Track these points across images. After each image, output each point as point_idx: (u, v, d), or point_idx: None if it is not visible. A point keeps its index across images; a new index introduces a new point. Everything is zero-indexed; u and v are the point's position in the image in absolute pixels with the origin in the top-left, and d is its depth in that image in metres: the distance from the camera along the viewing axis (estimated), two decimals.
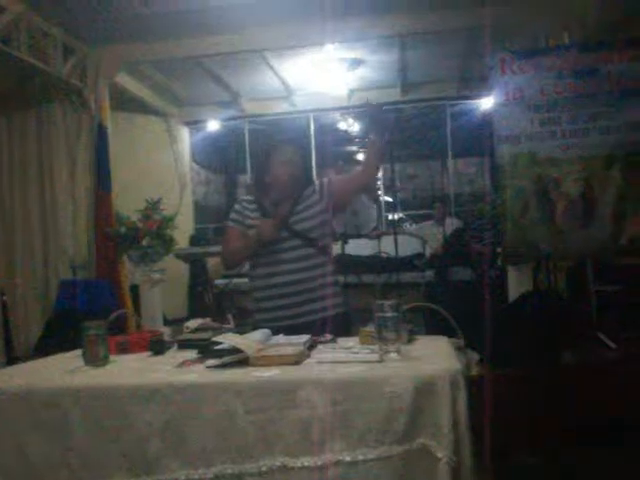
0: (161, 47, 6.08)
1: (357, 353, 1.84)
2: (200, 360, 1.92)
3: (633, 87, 4.62)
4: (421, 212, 10.06)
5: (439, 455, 1.53)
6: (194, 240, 8.18)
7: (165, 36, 5.88)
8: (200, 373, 1.77)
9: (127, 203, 6.06)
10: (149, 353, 2.16)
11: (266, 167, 2.70)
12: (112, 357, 2.05)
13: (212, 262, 7.95)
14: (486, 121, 4.87)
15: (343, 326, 2.41)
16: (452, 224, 7.31)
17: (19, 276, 5.91)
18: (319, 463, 1.58)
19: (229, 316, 2.78)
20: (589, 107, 4.66)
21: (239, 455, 1.61)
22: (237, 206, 2.75)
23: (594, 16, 5.08)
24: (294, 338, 2.06)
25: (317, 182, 2.73)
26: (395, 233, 5.95)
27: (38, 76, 5.61)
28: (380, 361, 1.76)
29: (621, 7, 4.77)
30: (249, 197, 2.76)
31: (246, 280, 7.50)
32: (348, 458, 1.57)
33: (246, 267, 2.82)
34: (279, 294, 2.57)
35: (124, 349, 2.19)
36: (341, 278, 5.49)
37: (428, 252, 7.11)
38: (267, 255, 2.58)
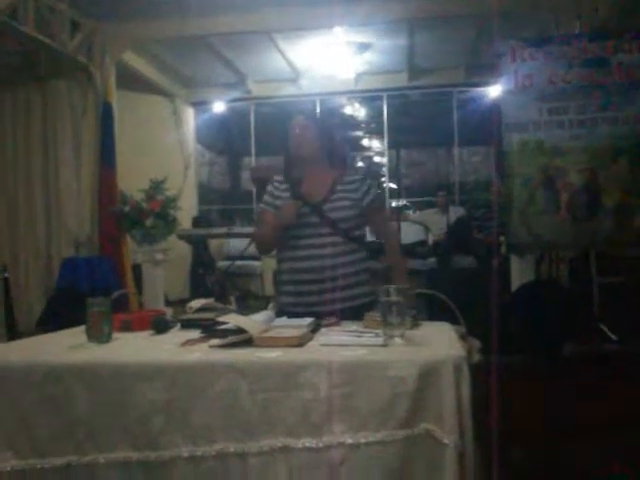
0: (169, 26, 6.05)
1: (361, 337, 1.84)
2: (203, 339, 1.91)
3: None
4: (425, 199, 10.04)
5: (445, 441, 1.53)
6: (197, 221, 8.17)
7: (173, 15, 5.84)
8: (203, 352, 1.77)
9: (131, 182, 6.05)
10: (152, 332, 2.16)
11: (287, 142, 2.61)
12: (115, 334, 2.05)
13: (215, 244, 7.95)
14: (494, 109, 4.84)
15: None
16: (456, 212, 7.30)
17: (22, 253, 5.91)
18: (320, 445, 1.58)
19: (231, 298, 2.77)
20: (598, 97, 4.63)
21: (241, 434, 1.61)
22: (269, 187, 2.64)
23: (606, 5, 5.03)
24: (298, 320, 2.06)
25: (368, 181, 2.61)
26: (398, 220, 5.94)
27: (44, 52, 5.58)
28: (384, 345, 1.75)
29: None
30: (280, 178, 2.65)
31: (248, 263, 7.52)
32: (350, 441, 1.56)
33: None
34: (303, 279, 2.48)
35: (127, 327, 2.18)
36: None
37: (431, 240, 7.11)
38: (295, 239, 2.49)
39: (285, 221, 2.46)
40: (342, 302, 2.45)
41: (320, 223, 2.48)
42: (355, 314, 2.23)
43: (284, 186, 2.60)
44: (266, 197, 2.63)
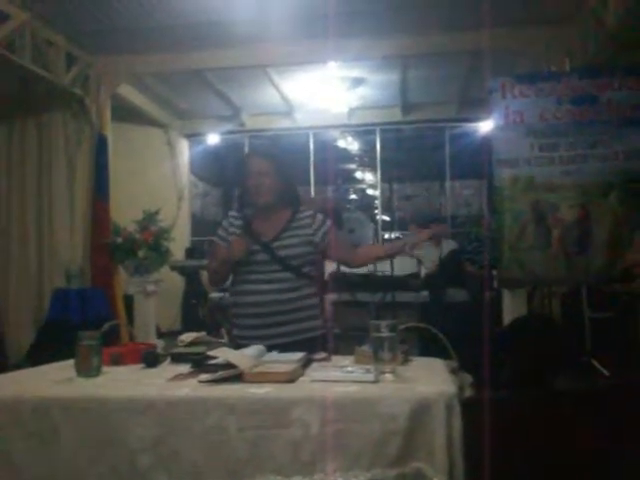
0: (164, 59, 6.11)
1: (352, 372, 1.83)
2: (193, 374, 1.90)
3: (632, 115, 4.64)
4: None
5: (434, 479, 1.52)
6: (190, 252, 8.16)
7: (169, 49, 5.91)
8: (193, 387, 1.76)
9: (124, 213, 6.05)
10: (142, 365, 2.14)
11: (242, 179, 2.66)
12: (105, 368, 2.03)
13: (207, 275, 7.92)
14: (485, 144, 4.89)
15: (315, 350, 2.35)
16: (448, 246, 7.31)
17: (13, 283, 5.87)
18: None
19: (222, 330, 2.77)
20: (588, 134, 4.68)
21: (230, 473, 1.59)
22: (224, 222, 2.71)
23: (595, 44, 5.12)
24: (289, 355, 2.05)
25: (319, 217, 2.66)
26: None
27: (40, 84, 5.62)
28: (375, 381, 1.74)
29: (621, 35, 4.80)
30: (235, 213, 2.71)
31: None
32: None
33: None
34: (251, 313, 2.54)
35: (117, 361, 2.17)
36: (335, 296, 5.45)
37: (423, 272, 7.11)
38: (244, 273, 2.56)
39: (234, 257, 2.51)
40: (289, 336, 2.50)
41: (270, 260, 2.54)
42: (302, 348, 2.23)
43: (238, 222, 2.66)
44: (220, 231, 2.69)
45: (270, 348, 2.20)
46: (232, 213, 2.73)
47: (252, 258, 2.53)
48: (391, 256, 2.70)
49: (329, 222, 2.68)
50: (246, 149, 9.19)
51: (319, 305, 2.67)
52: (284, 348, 2.23)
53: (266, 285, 2.52)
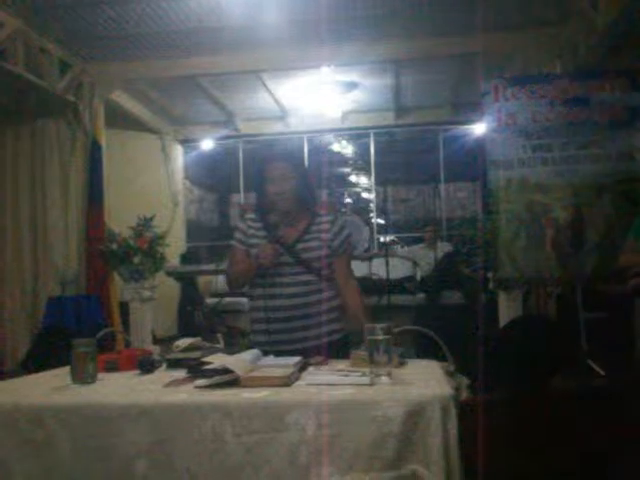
0: (158, 66, 6.12)
1: (348, 376, 1.83)
2: (189, 380, 1.90)
3: (623, 117, 4.67)
4: (412, 235, 10.09)
5: None
6: (185, 258, 8.15)
7: (162, 55, 5.92)
8: (189, 393, 1.76)
9: (119, 219, 6.05)
10: (138, 372, 2.14)
11: (260, 185, 2.63)
12: (100, 375, 2.03)
13: (203, 280, 7.92)
14: (478, 146, 4.90)
15: (338, 353, 2.34)
16: (443, 248, 7.33)
17: (8, 291, 5.86)
18: None
19: (219, 335, 2.77)
20: (580, 135, 4.70)
21: (226, 478, 1.59)
22: (241, 225, 2.67)
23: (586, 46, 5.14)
24: (285, 359, 2.05)
25: (339, 223, 2.64)
26: (386, 255, 5.96)
27: (33, 91, 5.62)
28: (371, 384, 1.75)
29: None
30: (253, 215, 2.67)
31: (236, 299, 7.49)
32: None
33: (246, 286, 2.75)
34: (275, 318, 2.50)
35: (113, 367, 2.17)
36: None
37: (419, 275, 7.12)
38: (267, 277, 2.52)
39: (265, 264, 2.48)
40: (313, 340, 2.48)
41: (293, 263, 2.52)
42: (326, 351, 2.24)
43: (258, 224, 2.63)
44: (238, 234, 2.65)
45: (291, 353, 2.19)
46: (250, 216, 2.68)
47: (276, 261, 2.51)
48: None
49: (347, 232, 2.65)
50: (240, 154, 9.20)
51: (341, 307, 2.63)
52: (305, 352, 2.22)
53: (291, 288, 2.50)
